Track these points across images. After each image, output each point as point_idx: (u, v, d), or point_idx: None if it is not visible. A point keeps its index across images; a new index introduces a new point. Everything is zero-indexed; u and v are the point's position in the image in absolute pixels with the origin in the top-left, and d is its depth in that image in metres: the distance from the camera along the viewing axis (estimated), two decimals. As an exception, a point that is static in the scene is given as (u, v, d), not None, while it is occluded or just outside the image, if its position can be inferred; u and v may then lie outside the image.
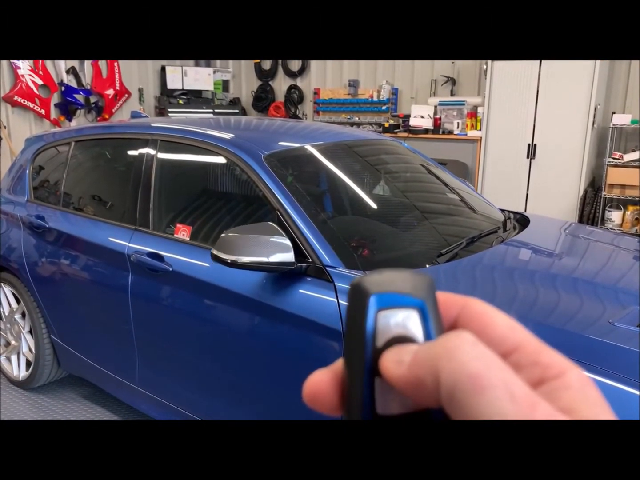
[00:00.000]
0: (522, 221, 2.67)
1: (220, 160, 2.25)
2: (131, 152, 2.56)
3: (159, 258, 2.24)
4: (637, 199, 5.44)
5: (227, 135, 2.31)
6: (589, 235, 2.55)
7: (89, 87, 7.00)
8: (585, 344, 1.49)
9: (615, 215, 5.53)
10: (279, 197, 2.02)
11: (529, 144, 5.63)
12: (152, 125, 2.58)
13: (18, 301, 3.05)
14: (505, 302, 1.68)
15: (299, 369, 1.83)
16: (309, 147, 2.36)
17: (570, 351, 1.43)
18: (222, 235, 1.81)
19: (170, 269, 2.18)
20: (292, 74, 7.84)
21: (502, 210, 2.85)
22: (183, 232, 2.26)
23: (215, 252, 1.79)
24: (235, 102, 8.23)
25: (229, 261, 1.77)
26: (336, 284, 1.80)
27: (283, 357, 1.87)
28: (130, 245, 2.36)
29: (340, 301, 1.77)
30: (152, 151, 2.46)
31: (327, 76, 7.58)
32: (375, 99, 7.10)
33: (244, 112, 8.25)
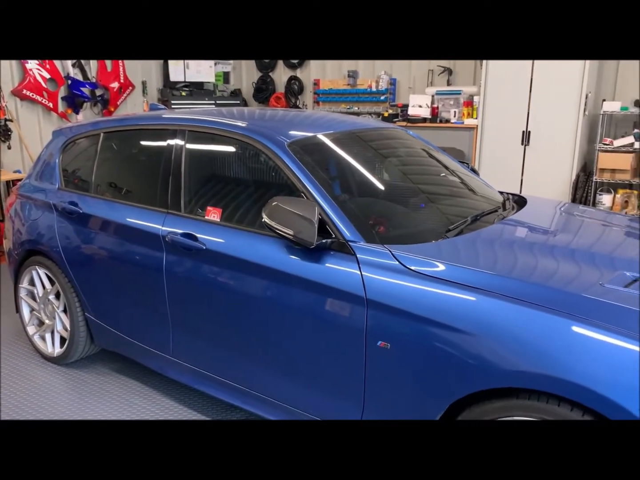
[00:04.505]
0: (520, 202, 2.91)
1: (246, 148, 2.47)
2: (161, 142, 2.77)
3: (193, 238, 2.46)
4: (627, 182, 5.70)
5: (251, 125, 2.52)
6: (582, 213, 2.79)
7: (94, 80, 7.16)
8: (583, 302, 1.72)
9: (606, 199, 5.79)
10: (303, 181, 2.24)
11: (523, 131, 5.86)
12: (180, 116, 2.79)
13: (51, 282, 3.27)
14: (507, 268, 1.92)
15: (327, 331, 2.06)
16: (323, 136, 2.58)
17: (570, 308, 1.67)
18: (272, 200, 2.09)
19: (204, 247, 2.41)
20: (291, 66, 8.02)
21: (501, 192, 3.09)
22: (214, 214, 2.48)
23: (263, 211, 2.10)
24: (236, 94, 8.41)
25: (263, 219, 2.10)
26: (358, 256, 2.04)
27: (312, 322, 2.10)
28: (164, 227, 2.59)
29: (362, 272, 2.00)
30: (181, 140, 2.68)
31: (326, 67, 7.78)
32: (374, 89, 7.30)
33: (245, 103, 8.43)
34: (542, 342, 1.63)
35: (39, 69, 6.55)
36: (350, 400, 2.07)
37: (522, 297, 1.73)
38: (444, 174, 2.95)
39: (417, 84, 7.13)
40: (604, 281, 1.85)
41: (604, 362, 1.55)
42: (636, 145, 5.57)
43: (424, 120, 6.57)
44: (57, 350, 3.30)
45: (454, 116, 6.44)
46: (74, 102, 6.95)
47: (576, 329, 1.62)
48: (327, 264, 2.08)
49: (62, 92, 6.84)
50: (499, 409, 1.73)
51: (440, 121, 6.52)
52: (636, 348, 1.54)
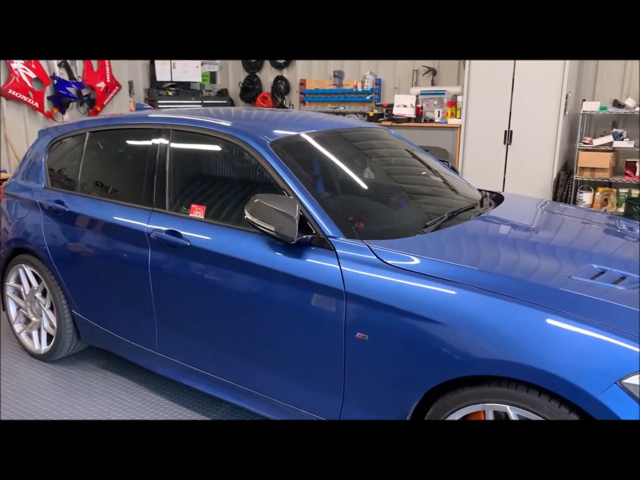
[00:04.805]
0: (498, 199, 3.00)
1: (230, 146, 2.52)
2: (146, 141, 2.81)
3: (177, 235, 2.51)
4: (606, 181, 5.82)
5: (234, 124, 2.58)
6: (556, 210, 2.88)
7: (80, 80, 7.17)
8: (551, 293, 1.80)
9: (586, 196, 5.91)
10: (284, 179, 2.30)
11: (505, 131, 5.97)
12: (165, 116, 2.83)
13: (38, 280, 3.30)
14: (480, 262, 1.99)
15: (308, 324, 2.13)
16: (306, 135, 2.65)
17: (537, 299, 1.74)
18: (254, 197, 2.14)
19: (188, 244, 2.46)
20: (278, 66, 8.08)
21: (480, 190, 3.17)
22: (198, 212, 2.53)
23: (245, 209, 2.16)
24: (223, 93, 8.44)
25: (246, 216, 2.15)
26: (337, 251, 2.10)
27: (294, 315, 2.16)
28: (149, 225, 2.63)
29: (341, 266, 2.06)
30: (165, 139, 2.73)
31: (312, 67, 7.84)
32: (359, 89, 7.38)
33: (231, 103, 8.47)
34: (511, 332, 1.71)
35: (24, 69, 6.55)
36: (331, 390, 2.14)
37: (493, 288, 1.81)
38: (423, 173, 3.02)
39: (402, 84, 7.22)
40: (572, 273, 1.93)
41: (569, 350, 1.63)
42: (615, 144, 5.70)
43: (409, 119, 6.66)
44: (44, 347, 3.34)
45: (438, 116, 6.53)
46: (60, 101, 6.96)
47: (543, 318, 1.70)
48: (307, 259, 2.15)
49: (48, 91, 6.84)
50: (471, 396, 1.81)
51: (425, 121, 6.61)
52: (600, 337, 1.62)
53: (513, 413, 1.74)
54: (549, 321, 1.69)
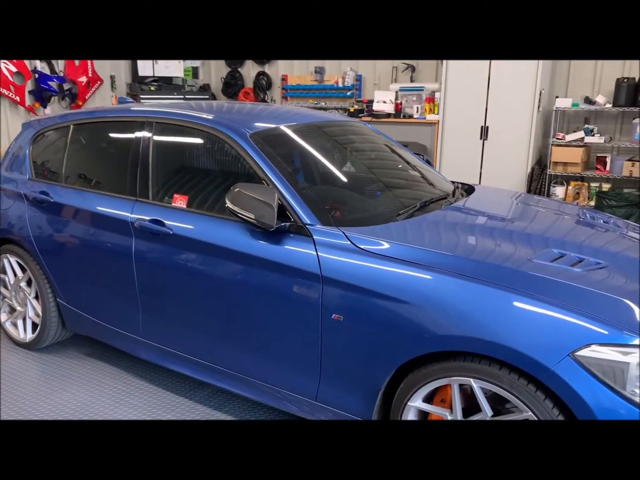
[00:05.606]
0: (469, 190, 3.13)
1: (211, 138, 2.62)
2: (129, 133, 2.89)
3: (160, 223, 2.60)
4: (578, 175, 6.01)
5: (216, 117, 2.67)
6: (523, 199, 3.02)
7: (62, 74, 7.17)
8: (511, 274, 1.93)
9: (559, 190, 6.10)
10: (263, 169, 2.41)
11: (481, 126, 6.13)
12: (148, 108, 2.92)
13: (23, 270, 3.36)
14: (447, 246, 2.12)
15: (287, 308, 2.24)
16: (285, 128, 2.75)
17: (498, 279, 1.88)
18: (235, 186, 2.24)
19: (171, 232, 2.55)
20: (260, 62, 8.15)
21: (453, 182, 3.30)
22: (180, 201, 2.63)
23: (226, 197, 2.26)
24: (205, 89, 8.49)
25: (227, 205, 2.25)
26: (314, 237, 2.21)
27: (273, 299, 2.27)
28: (133, 215, 2.72)
29: (318, 252, 2.18)
30: (148, 131, 2.81)
31: (294, 63, 7.93)
32: (340, 85, 7.50)
33: (213, 98, 8.52)
34: (473, 310, 1.84)
35: (5, 63, 6.54)
36: (308, 370, 2.25)
37: (456, 270, 1.94)
38: (398, 164, 3.14)
39: (382, 80, 7.35)
40: (532, 257, 2.07)
41: (527, 326, 1.77)
42: (586, 139, 5.89)
43: (388, 115, 6.79)
44: (29, 336, 3.40)
45: (417, 112, 6.67)
46: (42, 95, 6.95)
47: (503, 297, 1.83)
48: (286, 246, 2.26)
49: (29, 85, 6.83)
50: (439, 371, 1.93)
51: (404, 116, 6.75)
52: (556, 314, 1.75)
53: (476, 385, 1.87)
54: (510, 300, 1.82)
